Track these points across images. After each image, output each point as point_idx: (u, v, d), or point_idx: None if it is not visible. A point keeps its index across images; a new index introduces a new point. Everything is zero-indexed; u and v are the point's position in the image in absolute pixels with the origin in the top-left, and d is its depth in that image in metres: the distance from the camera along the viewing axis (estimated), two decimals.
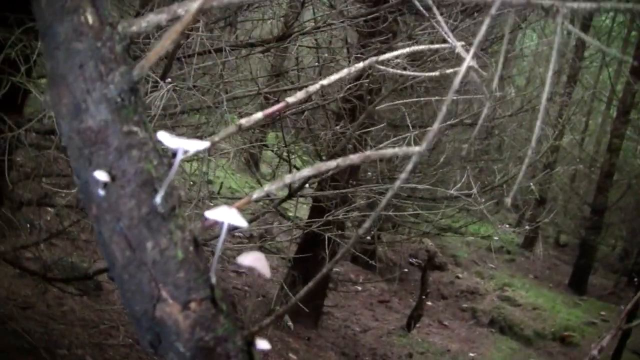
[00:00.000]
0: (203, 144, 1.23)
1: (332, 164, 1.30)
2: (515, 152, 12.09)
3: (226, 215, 1.23)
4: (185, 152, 1.24)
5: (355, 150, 7.84)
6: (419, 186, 6.51)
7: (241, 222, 1.24)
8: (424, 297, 10.95)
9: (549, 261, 20.55)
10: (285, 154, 7.53)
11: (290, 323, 9.41)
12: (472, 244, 19.28)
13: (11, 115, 4.60)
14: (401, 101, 5.33)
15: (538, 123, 1.37)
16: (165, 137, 1.21)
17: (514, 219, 19.87)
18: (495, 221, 8.20)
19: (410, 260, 15.21)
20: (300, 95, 1.64)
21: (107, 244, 1.26)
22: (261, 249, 11.31)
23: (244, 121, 1.50)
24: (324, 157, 8.23)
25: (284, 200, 5.33)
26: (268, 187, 1.30)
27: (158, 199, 1.23)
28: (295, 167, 8.47)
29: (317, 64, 6.47)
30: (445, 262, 16.02)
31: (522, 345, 12.32)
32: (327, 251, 6.13)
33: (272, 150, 7.57)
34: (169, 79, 3.82)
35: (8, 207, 5.19)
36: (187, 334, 1.22)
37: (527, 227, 9.55)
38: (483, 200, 7.59)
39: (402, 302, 13.04)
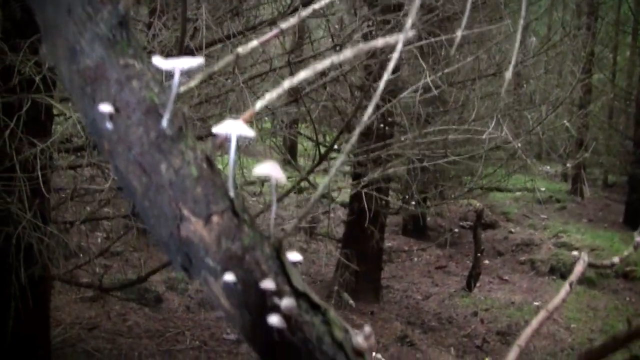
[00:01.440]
0: (196, 61, 1.25)
1: (326, 62, 1.31)
2: (547, 95, 11.93)
3: (233, 127, 1.25)
4: (182, 73, 1.26)
5: (384, 119, 7.83)
6: (453, 127, 6.44)
7: (248, 132, 1.26)
8: (479, 254, 10.89)
9: (600, 203, 20.30)
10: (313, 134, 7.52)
11: (351, 301, 9.44)
12: (520, 199, 19.15)
13: (41, 140, 4.67)
14: (414, 44, 5.24)
15: (508, 75, 1.37)
16: (158, 61, 1.24)
17: (557, 163, 19.67)
18: (534, 164, 8.07)
19: (461, 223, 15.15)
20: (293, 20, 1.65)
21: (125, 176, 1.29)
22: (311, 235, 11.38)
23: (241, 49, 1.51)
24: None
25: (315, 166, 5.33)
26: (269, 96, 1.31)
27: (164, 122, 1.26)
28: (324, 145, 8.47)
29: (328, 33, 6.43)
30: (496, 220, 15.91)
31: (585, 287, 12.17)
32: (368, 207, 6.08)
33: (300, 132, 7.55)
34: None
35: (55, 229, 5.27)
36: (214, 247, 1.25)
37: (568, 165, 9.41)
38: (519, 144, 7.53)
39: (460, 265, 12.99)
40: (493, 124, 5.77)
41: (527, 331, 1.71)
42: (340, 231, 11.19)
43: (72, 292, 8.57)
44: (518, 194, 19.63)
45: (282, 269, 1.27)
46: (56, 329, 7.27)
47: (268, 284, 1.24)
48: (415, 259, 12.98)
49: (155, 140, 1.26)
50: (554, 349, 9.17)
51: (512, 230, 15.59)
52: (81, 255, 6.73)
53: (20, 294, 5.14)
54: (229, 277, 1.24)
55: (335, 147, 5.11)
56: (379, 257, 10.13)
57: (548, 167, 9.09)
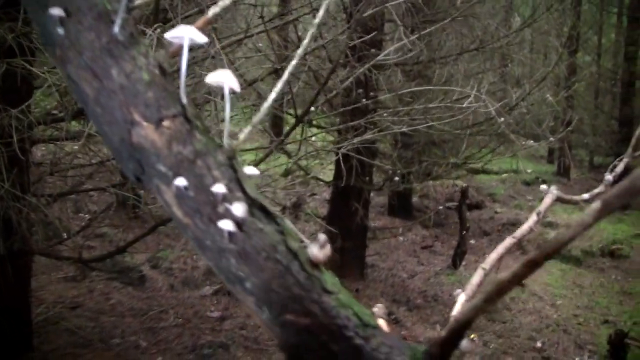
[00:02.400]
0: None
1: None
2: (532, 74, 11.95)
3: (185, 32, 1.24)
4: None
5: (366, 93, 7.81)
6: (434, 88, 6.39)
7: (201, 37, 1.24)
8: (464, 232, 10.92)
9: (586, 184, 20.33)
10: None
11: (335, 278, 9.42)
12: (506, 181, 19.20)
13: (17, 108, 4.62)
14: (391, 3, 5.15)
15: None
16: None
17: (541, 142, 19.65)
18: (518, 139, 8.07)
19: (447, 204, 15.17)
20: None
21: (77, 82, 1.26)
22: (296, 216, 11.37)
23: None
24: (336, 107, 8.21)
25: (291, 129, 5.28)
26: (222, 3, 1.30)
27: (116, 28, 1.24)
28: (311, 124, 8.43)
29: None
30: (482, 200, 15.97)
31: (571, 265, 12.25)
32: (348, 177, 6.05)
33: (282, 110, 7.45)
34: (158, 30, 3.81)
35: (37, 203, 5.22)
36: (165, 150, 1.23)
37: (551, 139, 9.40)
38: (502, 118, 7.52)
39: (445, 244, 13.01)
40: (473, 92, 5.75)
41: (492, 256, 1.70)
42: (325, 212, 11.19)
43: (55, 272, 8.56)
44: (504, 175, 19.72)
45: (234, 177, 1.26)
46: (38, 307, 7.25)
47: (219, 188, 1.22)
48: (401, 238, 12.99)
49: (107, 45, 1.24)
50: (540, 325, 9.22)
51: (498, 210, 15.65)
52: (64, 234, 6.71)
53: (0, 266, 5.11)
54: (180, 181, 1.22)
55: (313, 108, 5.06)
56: (364, 235, 10.13)
57: (532, 142, 9.06)
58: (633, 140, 2.28)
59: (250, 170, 1.34)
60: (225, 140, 1.27)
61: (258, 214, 1.26)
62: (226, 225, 1.21)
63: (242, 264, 1.24)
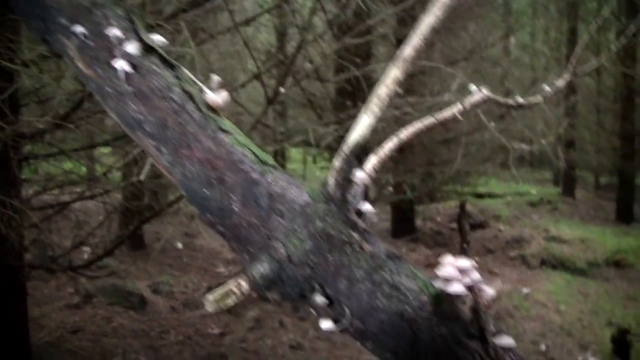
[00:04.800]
0: None
1: None
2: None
3: None
4: None
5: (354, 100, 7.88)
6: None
7: None
8: (465, 245, 10.89)
9: (592, 203, 20.32)
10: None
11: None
12: (511, 204, 19.20)
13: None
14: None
15: None
16: None
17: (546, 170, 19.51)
18: (509, 141, 8.05)
19: (451, 225, 15.16)
20: None
21: None
22: None
23: None
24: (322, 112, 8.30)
25: (264, 111, 5.27)
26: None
27: None
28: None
29: None
30: (486, 220, 15.90)
31: (576, 276, 12.20)
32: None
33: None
34: None
35: (29, 213, 5.25)
36: (64, 1, 1.32)
37: (542, 141, 9.34)
38: (493, 124, 7.59)
39: None
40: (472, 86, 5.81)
41: (410, 129, 1.76)
42: None
43: (58, 301, 8.61)
44: (509, 198, 19.74)
45: (132, 27, 1.34)
46: (40, 332, 7.29)
47: (114, 31, 1.31)
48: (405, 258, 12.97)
49: None
50: (544, 330, 9.18)
51: (501, 228, 15.59)
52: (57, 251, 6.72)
53: None
54: (79, 28, 1.31)
55: (282, 90, 5.10)
56: None
57: (523, 145, 8.94)
58: (574, 56, 2.36)
59: (157, 37, 1.42)
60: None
61: (154, 60, 1.34)
62: (121, 64, 1.29)
63: (139, 105, 1.32)
